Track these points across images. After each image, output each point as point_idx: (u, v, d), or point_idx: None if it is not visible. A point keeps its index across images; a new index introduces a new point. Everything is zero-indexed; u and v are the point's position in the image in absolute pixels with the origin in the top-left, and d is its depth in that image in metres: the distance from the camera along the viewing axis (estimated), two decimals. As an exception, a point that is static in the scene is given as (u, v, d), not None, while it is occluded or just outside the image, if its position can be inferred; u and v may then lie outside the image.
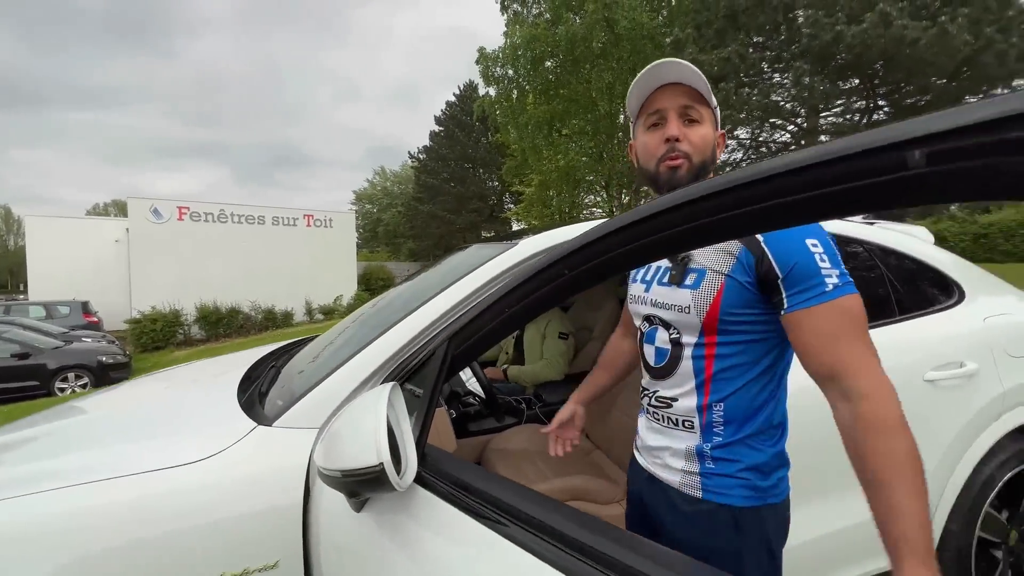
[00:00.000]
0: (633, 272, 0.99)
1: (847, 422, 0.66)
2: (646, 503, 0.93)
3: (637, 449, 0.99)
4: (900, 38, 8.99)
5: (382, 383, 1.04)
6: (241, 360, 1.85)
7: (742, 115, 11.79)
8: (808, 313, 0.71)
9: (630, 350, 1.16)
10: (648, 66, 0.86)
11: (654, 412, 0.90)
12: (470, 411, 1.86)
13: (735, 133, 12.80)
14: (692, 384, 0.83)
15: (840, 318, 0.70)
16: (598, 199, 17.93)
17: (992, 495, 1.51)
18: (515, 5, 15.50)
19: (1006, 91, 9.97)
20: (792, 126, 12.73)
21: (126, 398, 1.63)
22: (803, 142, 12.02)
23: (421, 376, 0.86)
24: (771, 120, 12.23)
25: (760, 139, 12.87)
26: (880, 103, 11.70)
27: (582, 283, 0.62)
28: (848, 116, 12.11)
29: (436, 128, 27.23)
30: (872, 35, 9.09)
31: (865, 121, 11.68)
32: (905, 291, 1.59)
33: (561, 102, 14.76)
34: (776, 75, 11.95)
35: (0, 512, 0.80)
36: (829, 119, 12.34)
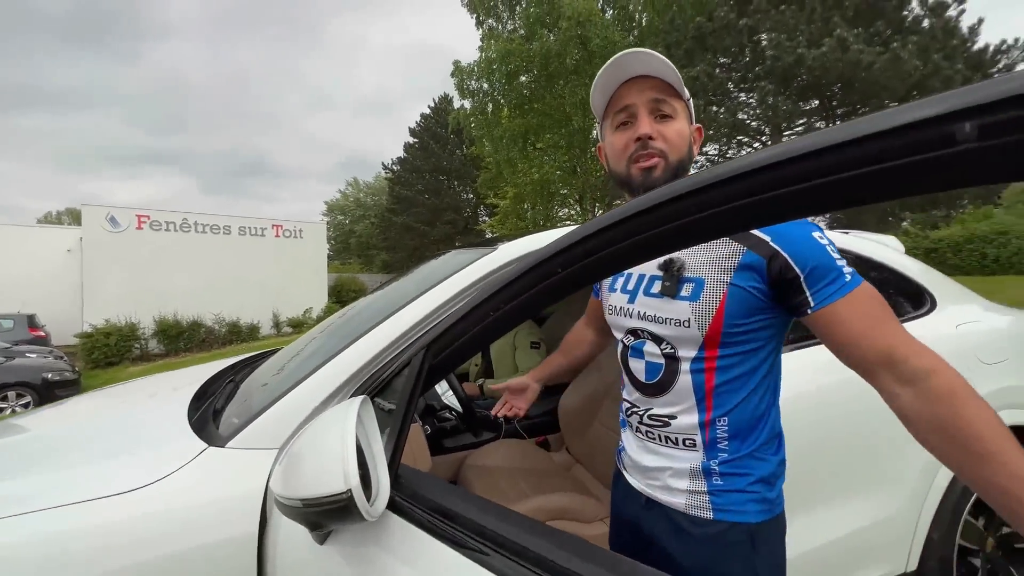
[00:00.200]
0: (609, 280, 0.92)
1: (918, 405, 0.59)
2: (642, 528, 0.85)
3: (624, 468, 0.91)
4: (856, 62, 9.49)
5: (351, 397, 0.95)
6: (197, 375, 1.71)
7: (711, 132, 12.14)
8: (844, 303, 0.66)
9: (591, 340, 1.16)
10: (612, 58, 0.78)
11: (648, 432, 0.83)
12: (446, 426, 1.77)
13: (704, 150, 13.17)
14: (692, 401, 0.76)
15: (874, 302, 0.67)
16: (572, 212, 18.12)
17: (970, 503, 1.52)
18: (490, 20, 15.69)
19: None
20: (758, 143, 13.21)
21: (64, 417, 1.48)
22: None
23: (394, 389, 0.79)
24: (738, 137, 12.66)
25: (728, 155, 13.27)
26: (839, 123, 12.26)
27: (576, 282, 0.56)
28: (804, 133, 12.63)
29: (411, 140, 27.10)
30: (831, 59, 9.56)
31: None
32: (881, 299, 1.61)
33: (535, 116, 14.93)
34: (742, 94, 12.42)
35: None
36: (792, 137, 12.84)
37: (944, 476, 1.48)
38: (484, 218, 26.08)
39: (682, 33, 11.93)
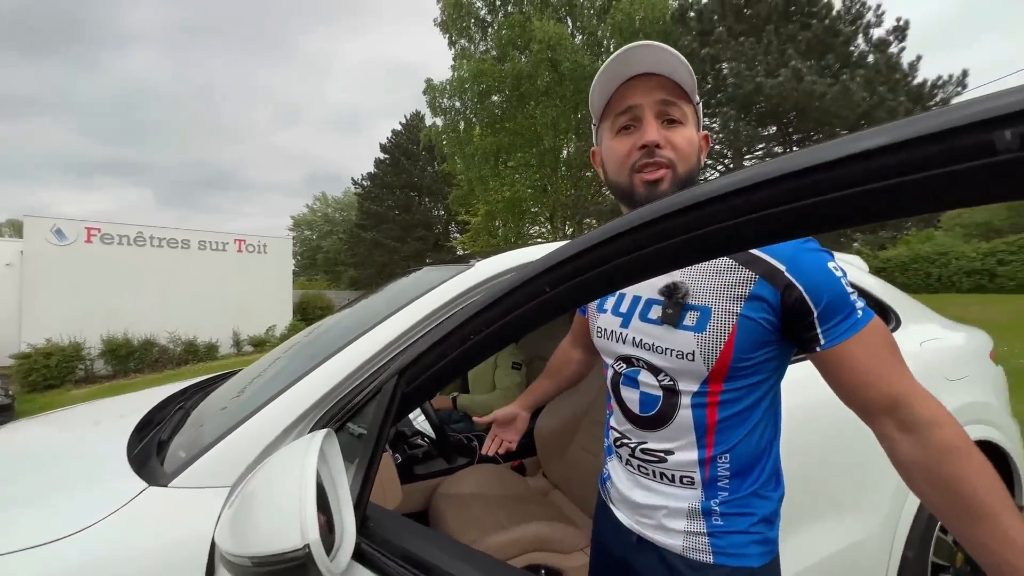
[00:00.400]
0: (597, 301, 0.85)
1: (917, 455, 0.57)
2: (632, 567, 0.78)
3: (611, 500, 0.85)
4: (810, 92, 10.06)
5: (313, 429, 0.87)
6: (147, 400, 1.57)
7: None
8: (855, 342, 0.62)
9: (578, 360, 1.11)
10: (617, 51, 0.68)
11: (641, 466, 0.77)
12: (418, 453, 1.67)
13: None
14: (691, 436, 0.70)
15: (882, 343, 0.62)
16: (543, 230, 18.29)
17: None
18: (462, 41, 15.88)
19: None
20: (721, 166, 13.75)
21: (-17, 452, 1.31)
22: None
23: (363, 419, 0.71)
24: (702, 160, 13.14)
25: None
26: (795, 148, 12.94)
27: (565, 303, 0.52)
28: (769, 159, 13.28)
29: (381, 155, 26.88)
30: (787, 88, 10.10)
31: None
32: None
33: (507, 135, 15.09)
34: (706, 119, 12.93)
35: None
36: (753, 161, 13.45)
37: (915, 497, 1.49)
38: (455, 235, 25.98)
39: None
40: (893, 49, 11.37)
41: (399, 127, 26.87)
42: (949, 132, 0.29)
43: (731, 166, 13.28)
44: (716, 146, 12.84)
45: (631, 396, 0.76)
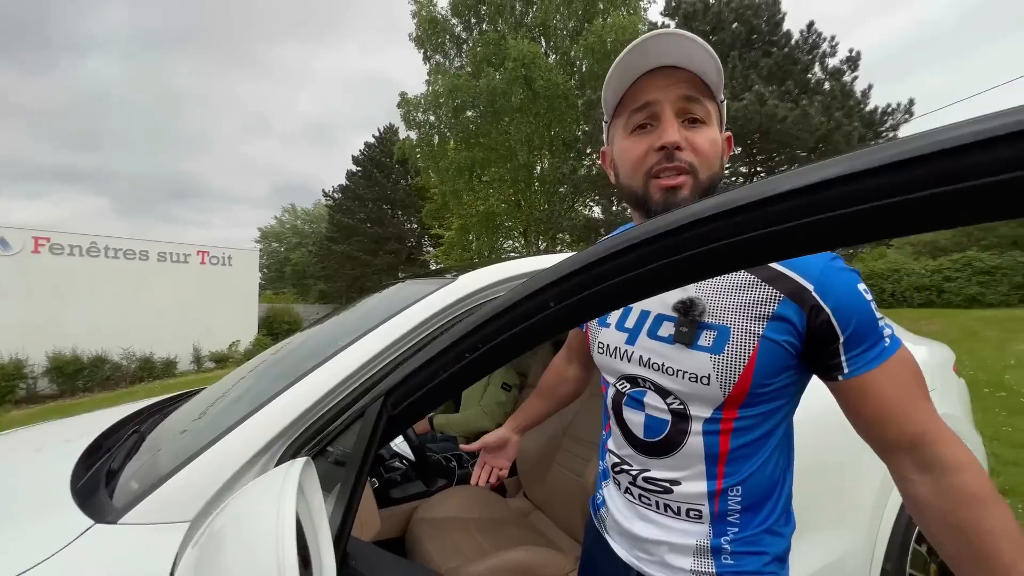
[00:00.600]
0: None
1: (935, 499, 0.53)
2: None
3: (606, 529, 0.79)
4: (772, 115, 10.53)
5: (291, 457, 0.80)
6: (93, 423, 1.44)
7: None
8: (880, 373, 0.56)
9: (574, 378, 1.03)
10: (635, 41, 0.61)
11: (642, 496, 0.71)
12: (396, 476, 1.59)
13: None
14: (701, 466, 0.64)
15: (908, 375, 0.57)
16: (516, 244, 18.38)
17: (915, 532, 1.56)
18: (437, 56, 15.99)
19: None
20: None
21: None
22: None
23: (343, 445, 0.65)
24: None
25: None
26: (759, 169, 13.50)
27: (571, 319, 0.48)
28: (734, 178, 13.77)
29: (354, 168, 26.57)
30: (751, 110, 10.55)
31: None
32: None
33: (481, 150, 15.20)
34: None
35: None
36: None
37: (892, 509, 1.51)
38: (429, 248, 25.81)
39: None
40: (847, 78, 12.08)
41: (372, 140, 26.69)
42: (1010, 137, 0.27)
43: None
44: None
45: (635, 419, 0.70)
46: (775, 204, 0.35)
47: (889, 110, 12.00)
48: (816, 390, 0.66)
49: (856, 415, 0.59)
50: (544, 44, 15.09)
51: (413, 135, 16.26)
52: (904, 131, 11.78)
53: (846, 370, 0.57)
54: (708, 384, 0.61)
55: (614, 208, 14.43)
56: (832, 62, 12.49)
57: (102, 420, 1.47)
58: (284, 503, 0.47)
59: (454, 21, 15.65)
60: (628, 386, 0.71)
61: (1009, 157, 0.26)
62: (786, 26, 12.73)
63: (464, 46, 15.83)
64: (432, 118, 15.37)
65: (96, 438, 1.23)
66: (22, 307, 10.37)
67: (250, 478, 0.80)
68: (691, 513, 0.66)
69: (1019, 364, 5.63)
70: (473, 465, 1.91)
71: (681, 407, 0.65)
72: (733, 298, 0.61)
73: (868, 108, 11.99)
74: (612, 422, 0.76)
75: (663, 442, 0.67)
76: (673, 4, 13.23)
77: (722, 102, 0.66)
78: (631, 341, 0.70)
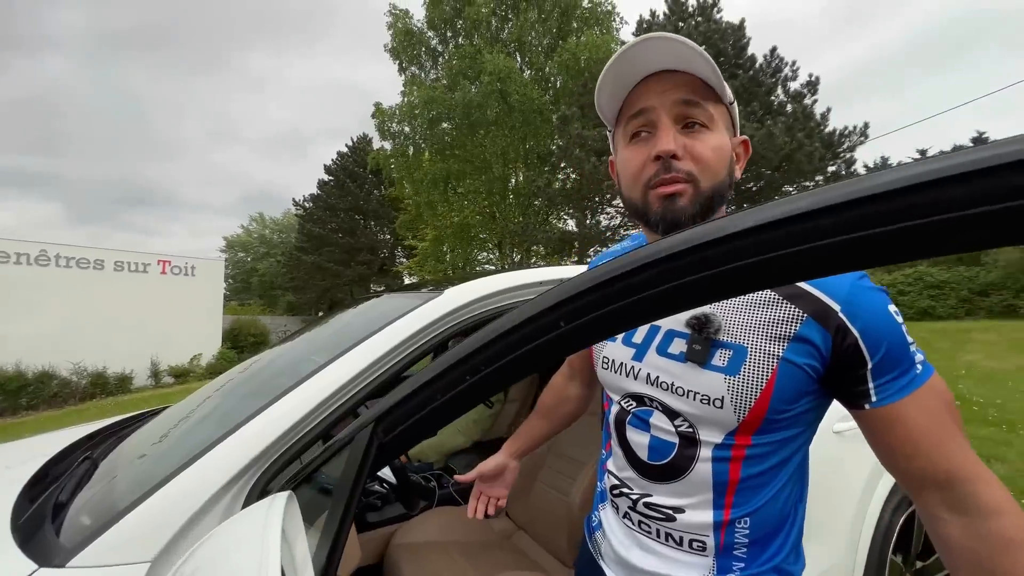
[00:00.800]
0: None
1: (969, 542, 0.49)
2: None
3: (601, 555, 0.75)
4: (739, 134, 10.95)
5: (264, 487, 0.74)
6: (40, 448, 1.32)
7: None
8: (911, 403, 0.52)
9: (577, 397, 0.96)
10: (622, 47, 0.58)
11: (642, 523, 0.66)
12: (376, 501, 1.50)
13: (614, 202, 14.18)
14: (707, 494, 0.60)
15: (940, 406, 0.52)
16: (491, 256, 18.39)
17: (893, 540, 1.59)
18: (413, 68, 16.00)
19: (818, 179, 12.62)
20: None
21: None
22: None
23: (328, 476, 0.60)
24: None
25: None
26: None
27: (582, 340, 0.46)
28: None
29: (326, 177, 26.09)
30: (719, 129, 10.95)
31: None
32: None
33: (456, 162, 15.23)
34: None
35: None
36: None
37: (870, 523, 1.53)
38: (402, 259, 25.50)
39: (594, 96, 13.04)
40: (807, 101, 12.70)
41: (345, 149, 26.34)
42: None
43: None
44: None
45: (639, 440, 0.66)
46: (801, 223, 0.34)
47: (847, 132, 12.66)
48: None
49: (882, 446, 0.55)
50: (519, 59, 15.32)
51: (388, 145, 16.16)
52: (860, 153, 12.44)
53: (874, 398, 0.53)
54: (721, 407, 0.57)
55: (588, 221, 14.63)
56: (793, 86, 13.14)
57: (49, 444, 1.35)
58: (268, 547, 0.42)
59: (430, 34, 15.72)
60: (634, 404, 0.67)
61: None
62: (751, 50, 13.33)
63: (440, 59, 15.90)
64: (407, 129, 15.34)
65: (42, 466, 1.12)
66: (-40, 319, 9.68)
67: (219, 510, 0.74)
68: (694, 544, 0.62)
69: (969, 374, 5.94)
70: (452, 487, 1.86)
71: (690, 430, 0.61)
72: (752, 316, 0.57)
73: (827, 130, 12.62)
74: (614, 441, 0.72)
75: (668, 466, 0.63)
76: (644, 26, 13.65)
77: (731, 104, 0.62)
78: (638, 357, 0.66)
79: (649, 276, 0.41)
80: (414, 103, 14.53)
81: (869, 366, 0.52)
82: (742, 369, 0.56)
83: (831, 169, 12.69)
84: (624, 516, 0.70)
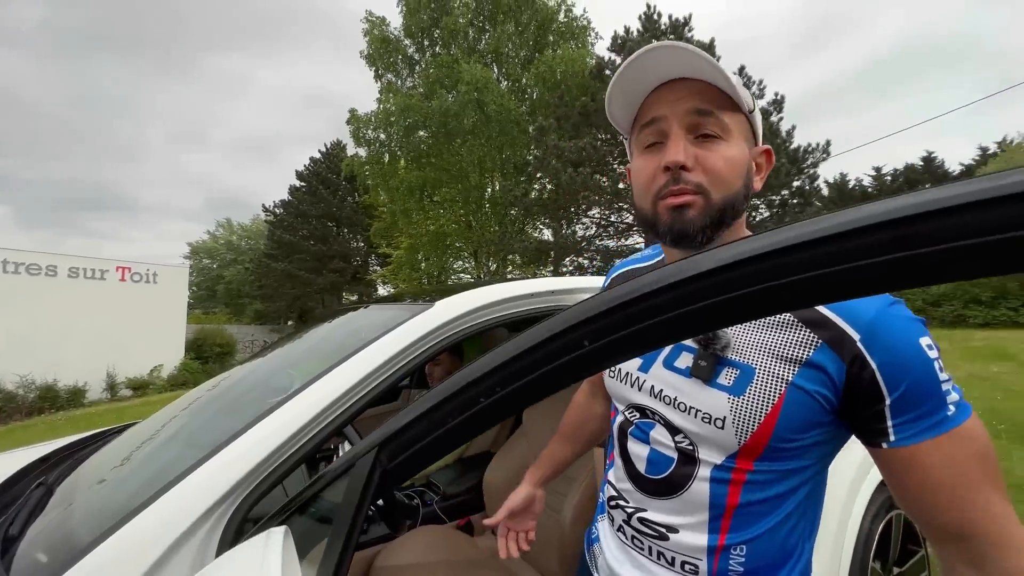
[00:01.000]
0: None
1: None
2: None
3: (596, 569, 0.73)
4: (709, 149, 11.31)
5: (245, 515, 0.69)
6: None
7: (597, 197, 13.31)
8: (930, 449, 0.47)
9: (601, 415, 0.91)
10: (631, 57, 0.57)
11: (635, 538, 0.64)
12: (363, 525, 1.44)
13: (590, 212, 14.35)
14: (704, 516, 0.57)
15: (969, 454, 0.47)
16: (467, 265, 18.33)
17: (873, 548, 1.62)
18: (389, 75, 15.91)
19: (784, 193, 13.11)
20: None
21: None
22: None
23: (327, 504, 0.56)
24: (618, 204, 13.97)
25: (611, 220, 14.58)
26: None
27: (608, 358, 0.43)
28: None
29: (297, 183, 25.53)
30: (691, 143, 11.29)
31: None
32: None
33: (432, 170, 15.17)
34: (620, 166, 13.95)
35: None
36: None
37: (852, 532, 1.56)
38: (376, 267, 25.13)
39: (570, 108, 13.22)
40: (774, 118, 13.20)
41: (318, 155, 25.87)
42: None
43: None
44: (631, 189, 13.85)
45: (638, 451, 0.64)
46: (826, 245, 0.33)
47: (810, 149, 13.21)
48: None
49: (898, 489, 0.51)
50: (496, 70, 15.43)
51: (362, 152, 15.97)
52: (822, 169, 13.02)
53: (892, 438, 0.49)
54: (722, 428, 0.55)
55: (564, 231, 14.74)
56: (760, 103, 13.65)
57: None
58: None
59: (407, 42, 15.69)
60: (637, 415, 0.65)
61: None
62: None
63: (417, 67, 15.87)
64: (383, 136, 15.20)
65: (-11, 494, 1.02)
66: None
67: (195, 544, 0.68)
68: (686, 567, 0.59)
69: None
70: (436, 504, 1.80)
71: (690, 448, 0.58)
72: (763, 336, 0.55)
73: (792, 146, 13.14)
74: (616, 451, 0.70)
75: (664, 481, 0.60)
76: (619, 41, 13.96)
77: (751, 112, 0.60)
78: (644, 368, 0.64)
79: (689, 291, 0.39)
80: (390, 110, 14.43)
81: (887, 402, 0.48)
82: (748, 390, 0.54)
83: (796, 184, 13.21)
84: (619, 530, 0.68)
